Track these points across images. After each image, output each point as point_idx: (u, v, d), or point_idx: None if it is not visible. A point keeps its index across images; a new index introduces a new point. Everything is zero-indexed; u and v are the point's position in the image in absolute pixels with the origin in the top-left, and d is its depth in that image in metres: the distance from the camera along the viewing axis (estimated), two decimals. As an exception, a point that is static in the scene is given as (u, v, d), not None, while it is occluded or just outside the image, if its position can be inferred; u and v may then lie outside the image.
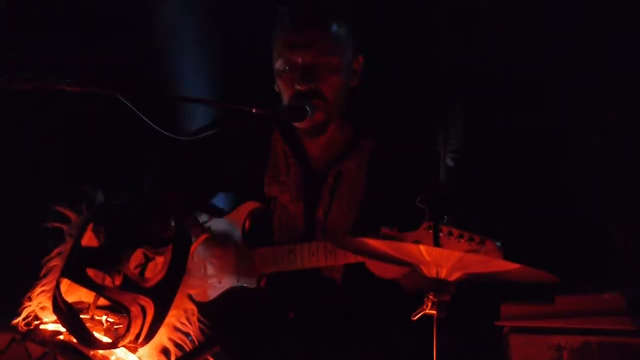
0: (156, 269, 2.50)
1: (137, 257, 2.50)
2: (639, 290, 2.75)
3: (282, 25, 3.02)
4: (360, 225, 2.98)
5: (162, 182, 3.17)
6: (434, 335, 2.25)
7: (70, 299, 2.47)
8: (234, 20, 3.70)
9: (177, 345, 2.51)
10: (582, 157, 3.36)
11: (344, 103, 3.04)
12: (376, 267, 2.82)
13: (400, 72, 3.48)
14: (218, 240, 3.06)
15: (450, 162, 2.36)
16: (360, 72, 3.05)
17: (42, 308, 2.49)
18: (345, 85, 3.02)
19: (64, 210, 2.55)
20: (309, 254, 2.93)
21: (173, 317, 2.50)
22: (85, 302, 2.50)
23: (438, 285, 2.27)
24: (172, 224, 2.51)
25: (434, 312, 2.26)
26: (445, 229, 2.66)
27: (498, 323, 2.80)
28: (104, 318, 2.49)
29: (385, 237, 2.75)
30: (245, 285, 3.05)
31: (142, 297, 2.45)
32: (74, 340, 2.43)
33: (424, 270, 2.28)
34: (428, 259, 2.25)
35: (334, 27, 2.98)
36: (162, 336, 2.49)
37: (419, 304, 2.29)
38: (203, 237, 2.69)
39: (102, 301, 2.49)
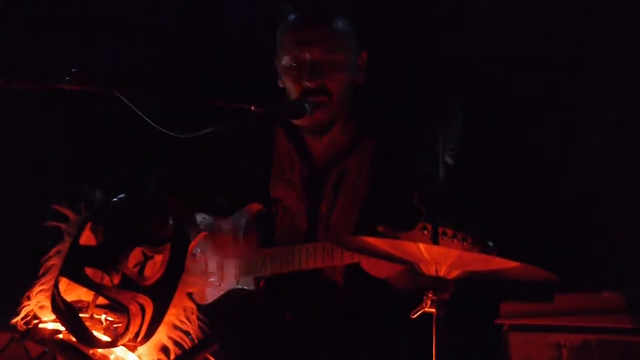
0: (155, 267, 2.50)
1: (135, 255, 2.50)
2: (639, 291, 2.75)
3: (287, 23, 3.03)
4: (362, 222, 2.98)
5: (165, 183, 3.17)
6: (434, 334, 2.24)
7: (69, 297, 2.48)
8: (233, 18, 3.70)
9: (176, 343, 2.52)
10: (582, 157, 3.36)
11: (349, 100, 3.04)
12: (371, 267, 2.81)
13: (400, 72, 3.48)
14: (220, 241, 3.06)
15: (449, 160, 2.36)
16: (365, 68, 3.06)
17: (41, 307, 2.49)
18: (351, 82, 3.03)
19: (63, 209, 2.55)
20: (307, 254, 2.92)
21: (172, 315, 2.50)
22: (84, 301, 2.51)
23: (437, 283, 2.27)
24: (171, 222, 2.51)
25: (433, 310, 2.25)
26: (439, 228, 2.65)
27: (497, 321, 2.80)
28: (103, 317, 2.50)
29: (381, 236, 2.75)
30: (244, 287, 3.05)
31: (141, 295, 2.45)
32: (73, 339, 2.43)
33: (423, 268, 2.27)
34: (427, 257, 2.24)
35: (339, 24, 2.99)
36: (162, 334, 2.49)
37: (418, 303, 2.29)
38: (201, 235, 2.69)
39: (101, 300, 2.49)
